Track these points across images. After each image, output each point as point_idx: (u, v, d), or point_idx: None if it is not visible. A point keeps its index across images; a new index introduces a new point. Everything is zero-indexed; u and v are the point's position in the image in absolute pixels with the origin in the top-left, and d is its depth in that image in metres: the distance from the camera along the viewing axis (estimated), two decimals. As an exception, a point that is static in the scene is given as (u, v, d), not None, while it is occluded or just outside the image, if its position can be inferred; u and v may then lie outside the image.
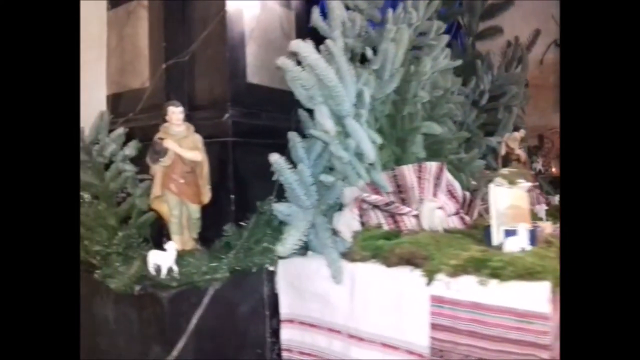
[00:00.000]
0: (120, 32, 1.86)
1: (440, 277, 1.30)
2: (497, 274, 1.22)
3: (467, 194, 1.99)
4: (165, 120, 1.47)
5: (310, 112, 1.58)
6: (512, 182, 1.50)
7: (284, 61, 1.39)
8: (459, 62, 1.85)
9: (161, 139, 1.44)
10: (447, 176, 1.86)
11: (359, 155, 1.50)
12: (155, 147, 1.43)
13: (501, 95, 2.78)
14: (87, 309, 1.54)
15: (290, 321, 1.65)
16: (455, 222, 1.76)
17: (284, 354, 1.64)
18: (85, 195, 1.80)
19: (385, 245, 1.42)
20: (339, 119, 1.51)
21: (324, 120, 1.39)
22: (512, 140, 2.43)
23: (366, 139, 1.41)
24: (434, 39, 1.91)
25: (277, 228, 1.61)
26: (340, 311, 1.50)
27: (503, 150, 2.48)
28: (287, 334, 1.65)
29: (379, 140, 1.50)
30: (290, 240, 1.32)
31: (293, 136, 1.62)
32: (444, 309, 1.30)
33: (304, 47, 1.37)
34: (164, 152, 1.42)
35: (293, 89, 1.50)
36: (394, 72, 1.68)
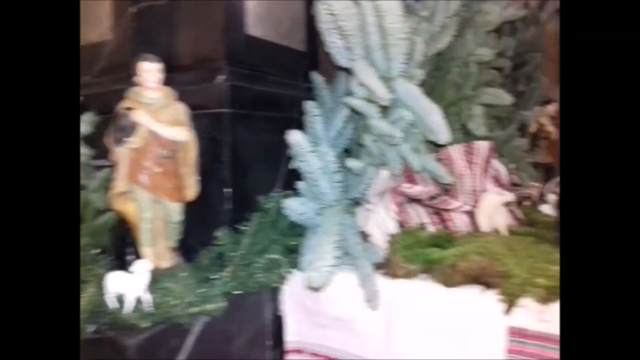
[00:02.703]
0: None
1: (526, 303, 0.95)
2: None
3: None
4: (134, 83, 1.02)
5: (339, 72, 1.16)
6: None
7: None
8: (521, 13, 1.46)
9: (129, 109, 0.99)
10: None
11: (407, 133, 1.10)
12: (119, 121, 0.98)
13: (523, 63, 2.43)
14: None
15: (299, 351, 1.27)
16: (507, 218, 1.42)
17: (291, 391, 1.27)
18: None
19: (443, 257, 1.05)
20: (384, 82, 1.10)
21: (372, 81, 0.97)
22: (543, 116, 2.10)
23: (434, 109, 1.00)
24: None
25: (287, 232, 1.21)
26: (373, 342, 1.13)
27: (533, 127, 2.14)
28: (296, 367, 1.28)
29: (440, 112, 1.10)
30: (327, 258, 0.92)
31: (311, 107, 1.21)
32: (528, 345, 0.95)
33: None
34: (132, 128, 0.98)
35: (326, 36, 1.07)
36: (447, 22, 1.27)
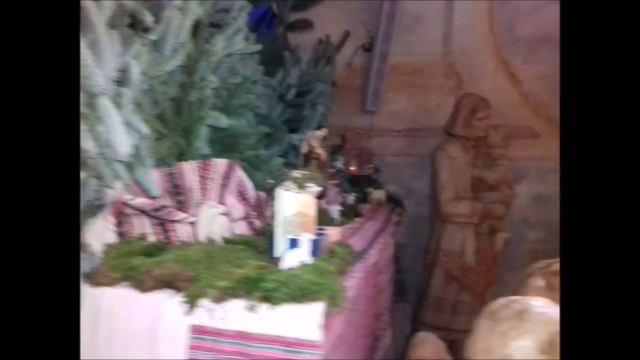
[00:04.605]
0: None
1: (205, 303, 1.08)
2: (268, 297, 1.06)
3: (262, 194, 1.83)
4: None
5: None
6: (301, 186, 1.37)
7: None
8: (257, 47, 1.66)
9: None
10: (240, 175, 1.66)
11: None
12: None
13: (308, 91, 2.73)
14: None
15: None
16: (243, 228, 1.58)
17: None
18: None
19: (141, 265, 1.13)
20: (90, 97, 1.15)
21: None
22: (314, 139, 2.38)
23: (119, 127, 1.08)
24: (233, 18, 1.67)
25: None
26: (82, 348, 1.15)
27: (304, 149, 2.41)
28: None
29: (144, 129, 1.19)
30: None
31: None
32: (206, 341, 1.09)
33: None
34: None
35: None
36: (178, 47, 1.39)
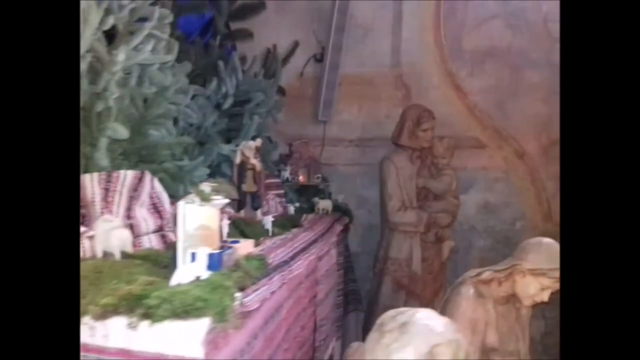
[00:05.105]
0: None
1: (87, 320, 1.05)
2: (150, 314, 1.03)
3: (183, 206, 1.81)
4: None
5: None
6: (205, 199, 1.35)
7: None
8: (169, 58, 1.64)
9: None
10: (154, 187, 1.63)
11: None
12: None
13: (247, 100, 2.72)
14: None
15: None
16: (154, 242, 1.55)
17: None
18: None
19: (21, 282, 1.09)
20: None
21: None
22: (248, 149, 2.37)
23: None
24: (138, 28, 1.63)
25: None
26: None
27: (238, 159, 2.40)
28: None
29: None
30: None
31: None
32: (89, 359, 1.05)
33: None
34: None
35: None
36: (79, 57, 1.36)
